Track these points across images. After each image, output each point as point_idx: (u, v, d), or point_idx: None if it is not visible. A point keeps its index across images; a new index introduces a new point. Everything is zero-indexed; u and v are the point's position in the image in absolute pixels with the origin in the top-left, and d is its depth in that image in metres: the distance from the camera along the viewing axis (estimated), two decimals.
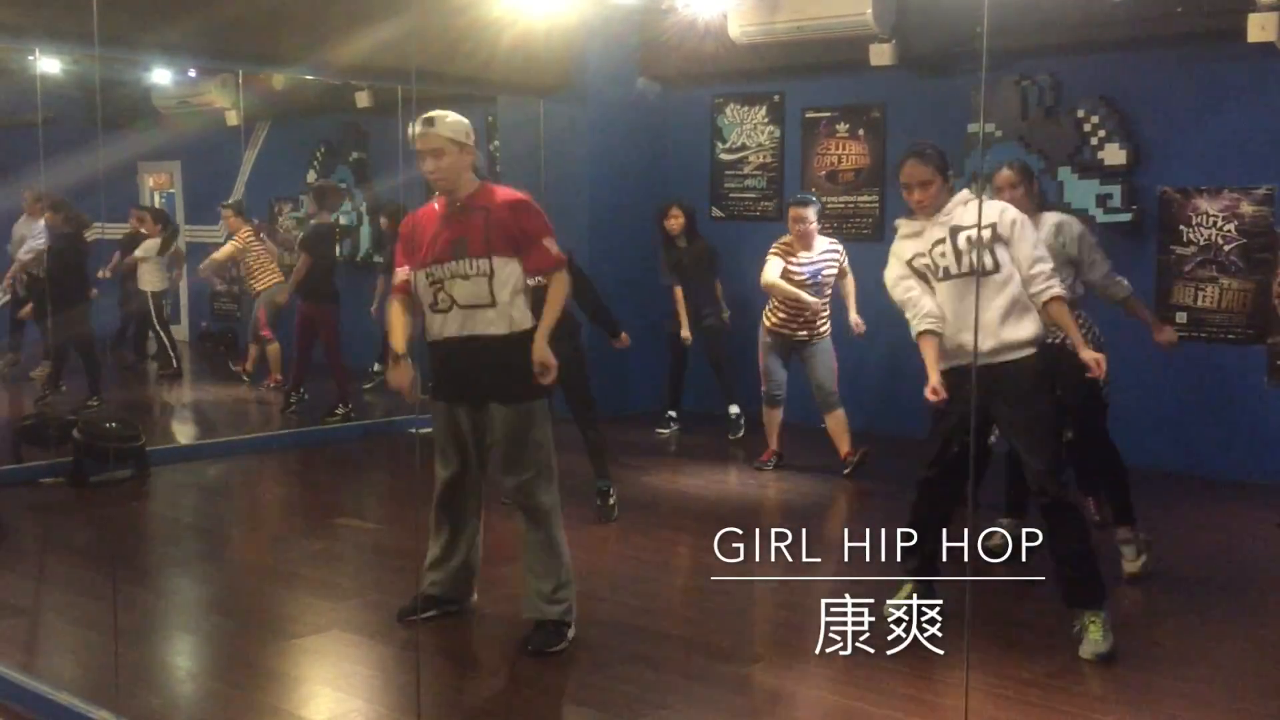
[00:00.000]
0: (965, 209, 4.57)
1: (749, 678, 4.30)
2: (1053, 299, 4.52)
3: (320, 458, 8.33)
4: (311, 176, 12.07)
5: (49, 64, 9.55)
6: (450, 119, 4.41)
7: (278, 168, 12.29)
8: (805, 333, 7.25)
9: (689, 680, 4.26)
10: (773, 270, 7.14)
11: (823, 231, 7.43)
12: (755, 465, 7.53)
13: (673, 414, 8.73)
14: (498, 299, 4.40)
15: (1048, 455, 4.44)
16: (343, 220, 11.85)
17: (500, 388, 4.45)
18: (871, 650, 4.48)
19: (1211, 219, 7.22)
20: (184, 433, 9.33)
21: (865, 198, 8.64)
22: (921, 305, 4.56)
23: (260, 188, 12.32)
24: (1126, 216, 7.40)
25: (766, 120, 9.18)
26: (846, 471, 7.22)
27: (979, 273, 4.46)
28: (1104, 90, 7.52)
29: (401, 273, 4.58)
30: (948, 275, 4.54)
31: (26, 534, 6.33)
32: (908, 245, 4.65)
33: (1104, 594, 4.46)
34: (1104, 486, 5.54)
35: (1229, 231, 7.17)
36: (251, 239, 10.36)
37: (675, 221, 8.37)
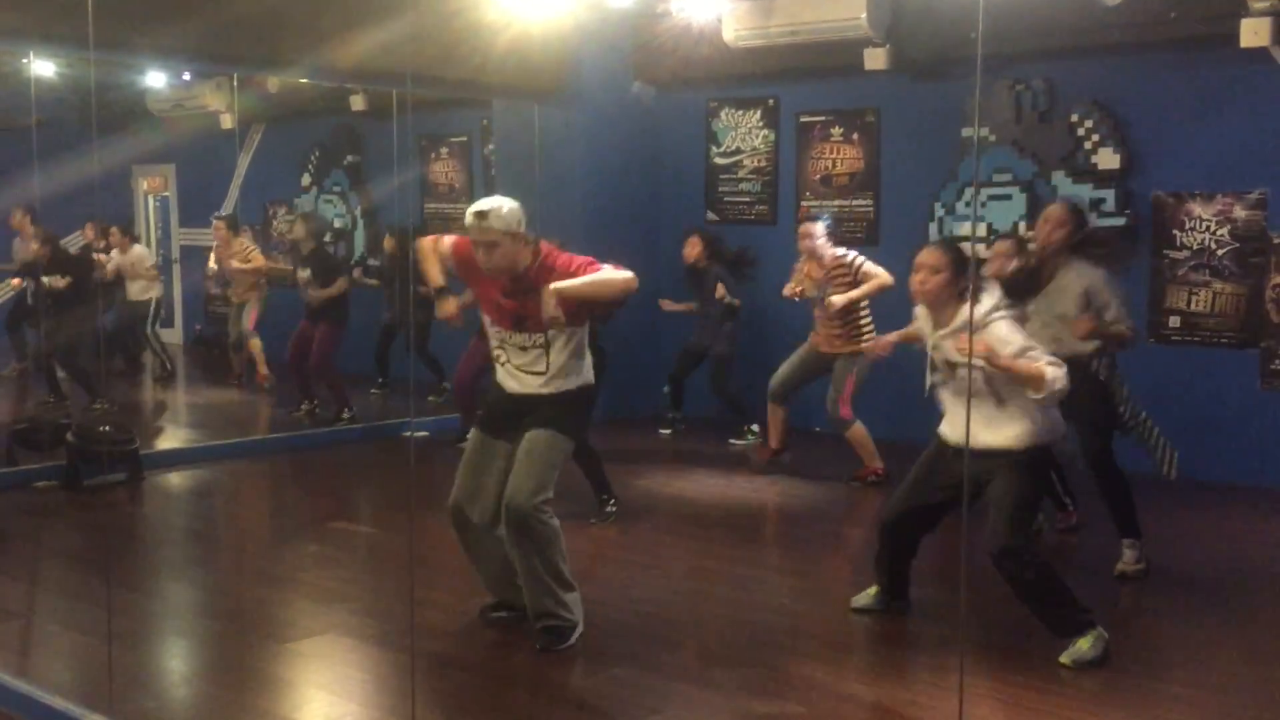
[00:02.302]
0: (984, 334, 4.39)
1: (745, 681, 4.30)
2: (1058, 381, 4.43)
3: (314, 461, 8.32)
4: (306, 180, 12.08)
5: (43, 67, 9.54)
6: (504, 211, 4.41)
7: (272, 171, 12.29)
8: (829, 347, 7.17)
9: (686, 683, 4.26)
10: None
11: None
12: (756, 465, 7.60)
13: (676, 415, 8.84)
14: (551, 368, 4.55)
15: (1001, 535, 4.35)
16: (337, 223, 11.85)
17: (540, 421, 4.56)
18: (868, 654, 4.51)
19: (1205, 223, 7.24)
20: (178, 436, 9.31)
21: (860, 202, 8.65)
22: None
23: (255, 191, 12.32)
24: (1120, 221, 7.42)
25: (761, 124, 9.20)
26: (857, 484, 7.24)
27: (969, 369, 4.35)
28: (1098, 95, 7.54)
29: (448, 240, 4.69)
30: (940, 382, 4.61)
31: (20, 538, 6.32)
32: (922, 322, 4.74)
33: (1092, 618, 4.43)
34: (1111, 505, 5.52)
35: (1222, 236, 7.19)
36: (251, 248, 10.33)
37: (691, 250, 8.40)
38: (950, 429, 4.64)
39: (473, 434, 4.81)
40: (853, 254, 7.13)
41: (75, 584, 5.43)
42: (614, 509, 6.45)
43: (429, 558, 5.78)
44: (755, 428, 8.43)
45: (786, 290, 7.24)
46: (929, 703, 4.06)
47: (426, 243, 4.78)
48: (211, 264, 10.81)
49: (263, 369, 10.17)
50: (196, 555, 6.14)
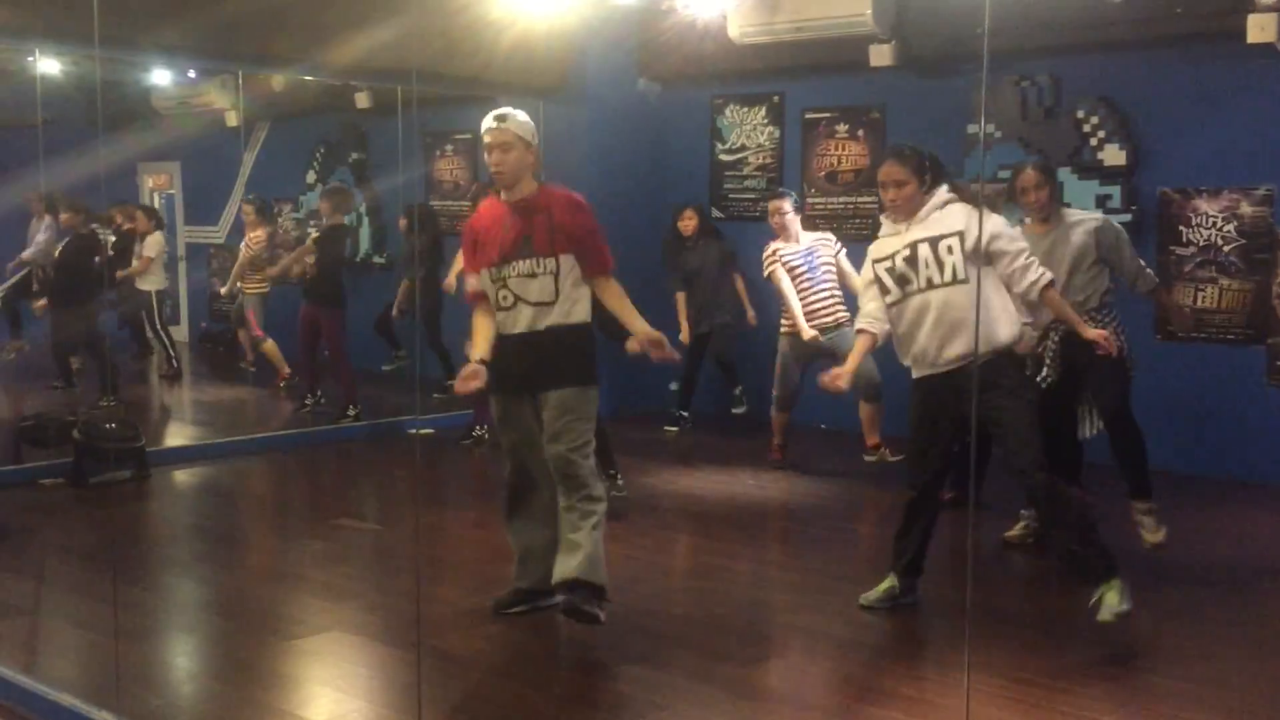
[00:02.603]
0: (940, 214, 4.61)
1: (751, 678, 4.30)
2: (1045, 287, 4.66)
3: (321, 458, 8.33)
4: (311, 177, 12.08)
5: (49, 65, 9.55)
6: (521, 117, 4.57)
7: (277, 168, 12.29)
8: (827, 320, 7.27)
9: (691, 680, 4.26)
10: (773, 270, 7.41)
11: (818, 229, 7.50)
12: (771, 464, 7.61)
13: (684, 413, 8.83)
14: (561, 293, 4.55)
15: (1032, 445, 4.49)
16: (344, 220, 11.84)
17: (557, 375, 4.56)
18: (874, 650, 4.51)
19: (1211, 219, 7.22)
20: (184, 433, 9.32)
21: (865, 198, 8.64)
22: (865, 307, 4.82)
23: (260, 188, 12.29)
24: (1126, 217, 7.40)
25: (766, 121, 9.19)
26: (874, 459, 7.36)
27: (951, 281, 4.55)
28: (1104, 91, 7.53)
29: (473, 280, 4.71)
30: (911, 288, 4.62)
31: (26, 534, 6.32)
32: (881, 246, 4.77)
33: (1115, 563, 4.55)
34: (1125, 463, 5.59)
35: (1228, 232, 7.17)
36: (264, 242, 10.30)
37: (689, 223, 8.53)
38: (923, 350, 4.62)
39: (494, 402, 4.78)
40: (832, 238, 7.46)
41: (81, 581, 5.44)
42: (623, 487, 6.50)
43: (435, 555, 5.79)
44: (684, 413, 8.76)
45: (807, 337, 7.28)
46: (936, 699, 4.06)
47: (480, 317, 4.69)
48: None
49: (284, 369, 10.17)
50: (202, 552, 6.15)
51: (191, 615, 5.20)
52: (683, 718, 3.98)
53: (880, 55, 8.07)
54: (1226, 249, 7.19)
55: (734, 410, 8.82)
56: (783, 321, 7.45)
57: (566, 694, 4.18)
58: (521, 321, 4.56)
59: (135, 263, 10.83)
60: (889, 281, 4.67)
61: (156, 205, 13.70)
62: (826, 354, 7.17)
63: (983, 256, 4.54)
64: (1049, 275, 4.71)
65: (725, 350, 8.65)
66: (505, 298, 4.57)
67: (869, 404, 7.31)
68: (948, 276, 4.53)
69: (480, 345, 4.61)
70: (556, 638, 4.68)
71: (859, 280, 6.55)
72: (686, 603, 5.20)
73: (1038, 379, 5.35)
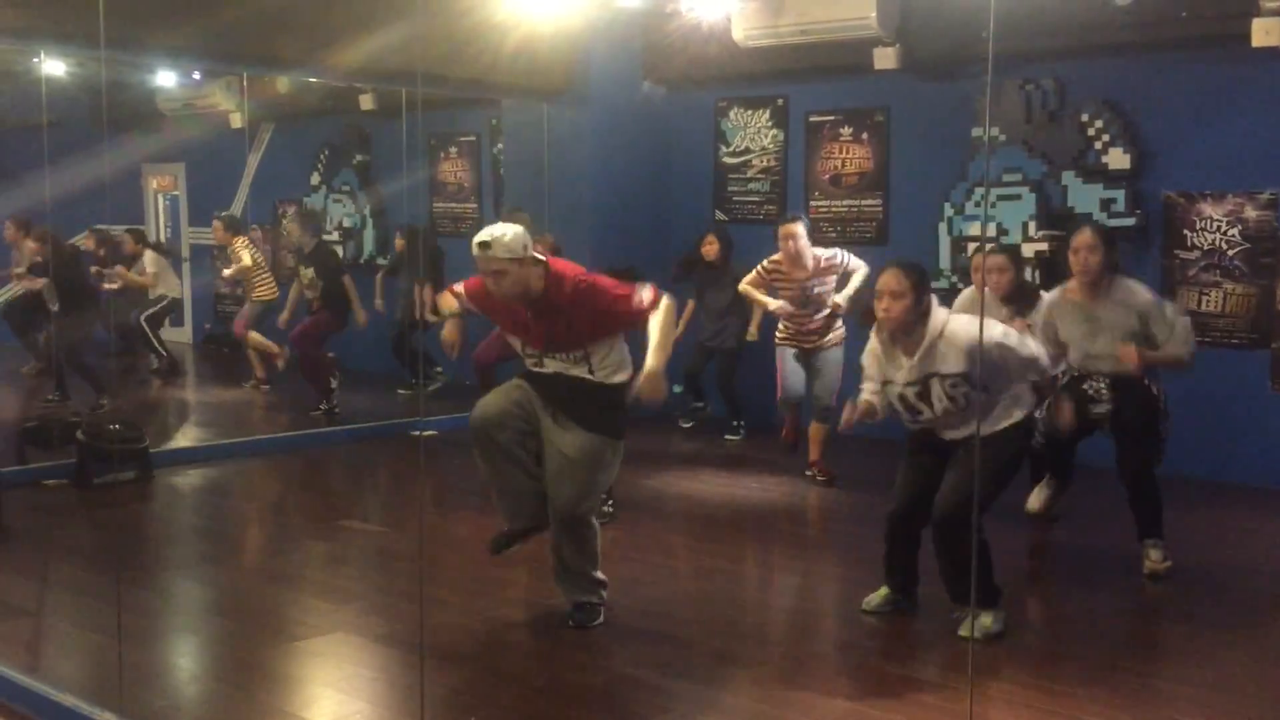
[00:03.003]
0: (943, 343, 4.47)
1: (755, 681, 4.29)
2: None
3: (324, 460, 8.33)
4: (315, 179, 12.10)
5: (54, 66, 9.57)
6: (506, 238, 4.44)
7: (282, 170, 12.31)
8: (809, 343, 7.18)
9: (695, 684, 4.25)
10: (748, 280, 7.33)
11: (826, 237, 7.43)
12: (783, 444, 7.56)
13: (699, 404, 8.92)
14: (595, 370, 4.60)
15: (964, 496, 4.42)
16: (346, 222, 11.87)
17: (585, 416, 4.58)
18: (877, 653, 4.50)
19: (1216, 224, 7.22)
20: (188, 435, 9.33)
21: (869, 201, 8.64)
22: (869, 388, 4.74)
23: (265, 190, 12.35)
24: (1130, 221, 7.40)
25: (770, 124, 9.19)
26: (811, 474, 7.31)
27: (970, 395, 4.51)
28: (1108, 94, 7.52)
29: (458, 288, 4.85)
30: (924, 417, 4.58)
31: (30, 535, 6.33)
32: (879, 366, 4.67)
33: (997, 595, 4.63)
34: (1140, 513, 5.52)
35: (1233, 236, 7.16)
36: (249, 252, 10.31)
37: (710, 248, 8.52)
38: (941, 432, 4.66)
39: (514, 380, 4.77)
40: (839, 252, 7.21)
41: (85, 582, 5.44)
42: (613, 511, 6.39)
43: (438, 557, 5.79)
44: (741, 423, 8.69)
45: (833, 305, 7.08)
46: (939, 702, 4.05)
47: (442, 299, 4.91)
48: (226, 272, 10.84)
49: (276, 361, 10.23)
50: (206, 553, 6.15)
51: (195, 616, 5.21)
52: None
53: (884, 58, 8.07)
54: (1231, 253, 7.18)
55: (727, 437, 8.63)
56: (778, 336, 7.34)
57: (570, 696, 4.18)
58: (549, 369, 4.64)
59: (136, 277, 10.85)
60: (899, 407, 4.64)
61: (161, 207, 13.75)
62: (810, 369, 7.23)
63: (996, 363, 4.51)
64: (1056, 370, 4.75)
65: (726, 378, 8.57)
66: (542, 364, 4.66)
67: (819, 424, 7.25)
68: (960, 404, 4.49)
69: (450, 305, 4.82)
70: (561, 640, 4.68)
71: (864, 265, 6.99)
72: (691, 605, 5.20)
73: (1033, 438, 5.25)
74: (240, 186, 12.36)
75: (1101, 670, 4.34)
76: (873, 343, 4.72)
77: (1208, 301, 7.28)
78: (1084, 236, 5.39)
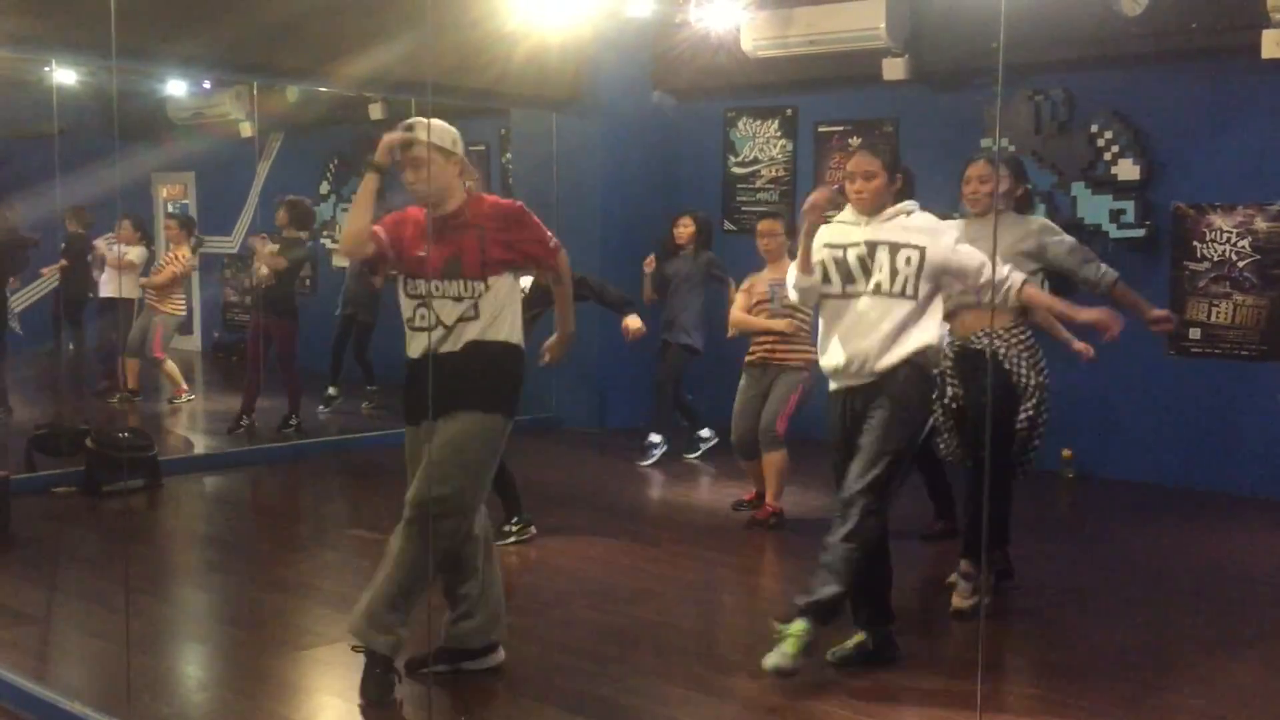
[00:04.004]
0: (906, 221, 4.39)
1: (756, 691, 4.28)
2: (1022, 286, 4.53)
3: (331, 468, 8.34)
4: (325, 188, 12.13)
5: (65, 75, 9.60)
6: (435, 124, 4.04)
7: (291, 180, 12.32)
8: (768, 357, 6.51)
9: (695, 692, 4.25)
10: (737, 306, 6.72)
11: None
12: (734, 506, 6.82)
13: (702, 433, 8.35)
14: (481, 314, 4.10)
15: (874, 479, 4.22)
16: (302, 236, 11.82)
17: (465, 395, 4.05)
18: (881, 663, 4.48)
19: (1225, 235, 7.20)
20: (196, 442, 9.34)
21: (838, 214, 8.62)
22: (791, 281, 4.54)
23: (274, 199, 12.34)
24: (1140, 232, 7.39)
25: (779, 134, 9.19)
26: (753, 515, 6.60)
27: (897, 294, 4.33)
28: (1118, 105, 7.52)
29: (377, 231, 4.14)
30: (855, 288, 4.37)
31: (39, 542, 6.34)
32: (834, 231, 4.48)
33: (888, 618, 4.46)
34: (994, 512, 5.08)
35: (1243, 247, 7.15)
36: (185, 260, 10.16)
37: (684, 230, 8.04)
38: (844, 353, 4.36)
39: (408, 434, 4.33)
40: None
41: (93, 589, 5.45)
42: (515, 530, 6.02)
43: None
44: (706, 433, 8.29)
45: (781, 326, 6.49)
46: (946, 713, 4.04)
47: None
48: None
49: (182, 386, 10.13)
50: (214, 561, 6.16)
51: (202, 624, 5.21)
52: None
53: (894, 69, 8.07)
54: (1241, 264, 7.16)
55: (686, 456, 8.23)
56: (748, 355, 6.65)
57: (572, 704, 4.17)
58: (435, 343, 4.10)
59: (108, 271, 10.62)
60: (833, 272, 4.40)
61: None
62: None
63: (940, 274, 4.35)
64: (1020, 275, 4.54)
65: (672, 373, 8.01)
66: (423, 317, 4.12)
67: (766, 452, 6.48)
68: (897, 288, 4.31)
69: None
70: (564, 648, 4.67)
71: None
72: (693, 616, 5.19)
73: (942, 400, 5.01)
74: (250, 196, 12.38)
75: (1110, 681, 4.32)
76: (835, 220, 4.54)
77: (1218, 313, 7.26)
78: (977, 168, 5.18)
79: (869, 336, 4.32)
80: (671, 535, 6.47)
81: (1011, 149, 7.86)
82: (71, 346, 11.02)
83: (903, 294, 4.32)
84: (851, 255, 4.40)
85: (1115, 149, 7.51)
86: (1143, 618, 5.15)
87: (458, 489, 4.07)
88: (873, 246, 4.39)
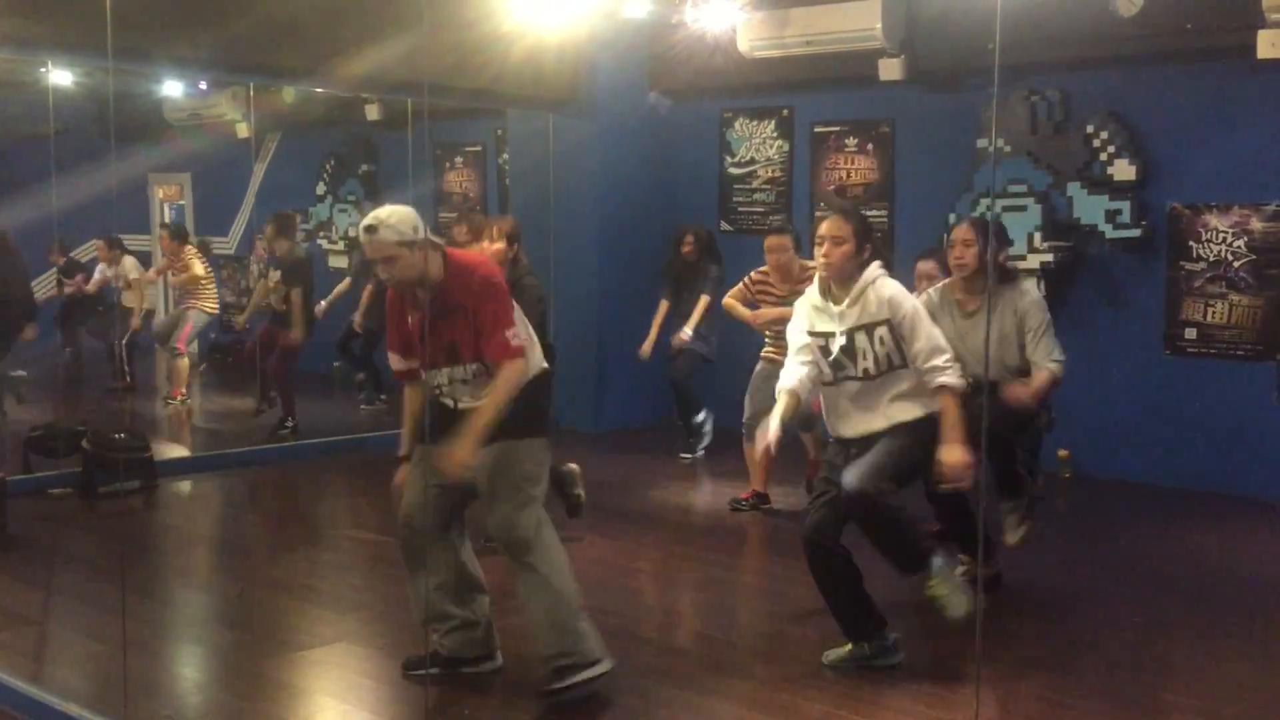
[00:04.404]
0: (873, 293, 4.39)
1: (754, 692, 4.28)
2: (942, 387, 4.34)
3: (328, 469, 8.33)
4: (321, 189, 12.12)
5: (61, 76, 9.60)
6: (392, 219, 4.00)
7: (288, 181, 12.33)
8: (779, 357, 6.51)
9: (696, 694, 4.25)
10: (732, 293, 6.89)
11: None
12: (732, 505, 6.91)
13: (696, 442, 8.34)
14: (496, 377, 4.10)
15: (877, 472, 4.27)
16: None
17: (503, 426, 4.07)
18: (878, 666, 4.49)
19: (1221, 235, 7.21)
20: (192, 444, 9.34)
21: (874, 212, 8.63)
22: (793, 370, 4.52)
23: (270, 201, 12.35)
24: (1136, 232, 7.40)
25: (775, 134, 9.20)
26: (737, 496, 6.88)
27: (886, 368, 4.40)
28: (1113, 106, 7.52)
29: (396, 360, 4.30)
30: (845, 374, 4.44)
31: (35, 544, 6.34)
32: (810, 317, 4.53)
33: (930, 547, 4.45)
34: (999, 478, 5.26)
35: (1239, 247, 7.16)
36: (199, 261, 10.24)
37: (688, 248, 8.19)
38: (847, 427, 4.47)
39: (416, 451, 4.34)
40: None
41: (89, 591, 5.45)
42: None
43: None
44: (705, 433, 8.30)
45: (749, 317, 6.69)
46: (944, 715, 4.04)
47: (410, 399, 4.39)
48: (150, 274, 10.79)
49: (181, 388, 10.13)
50: (210, 562, 6.16)
51: (199, 625, 5.21)
52: None
53: (890, 69, 8.08)
54: (1237, 264, 7.17)
55: (683, 456, 8.25)
56: (764, 350, 6.80)
57: (573, 706, 4.17)
58: (456, 406, 4.20)
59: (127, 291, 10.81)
60: (822, 363, 4.47)
61: (166, 217, 13.78)
62: None
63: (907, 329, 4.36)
64: (952, 379, 4.34)
65: (683, 378, 8.05)
66: (445, 400, 4.23)
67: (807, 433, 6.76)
68: (884, 366, 4.39)
69: (406, 440, 4.33)
70: None
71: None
72: (694, 617, 5.19)
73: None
74: (246, 197, 12.38)
75: (1107, 682, 4.32)
76: (807, 293, 4.59)
77: (1213, 313, 7.27)
78: (960, 230, 5.15)
79: (873, 410, 4.43)
80: (669, 535, 6.48)
81: (1008, 150, 7.88)
82: (68, 351, 11.04)
83: (891, 367, 4.40)
84: (834, 346, 4.44)
85: (1111, 149, 7.51)
86: (1139, 617, 5.16)
87: (510, 513, 4.17)
88: (850, 335, 4.42)
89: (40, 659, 4.72)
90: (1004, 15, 6.18)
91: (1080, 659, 4.61)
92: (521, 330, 4.17)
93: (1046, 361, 4.96)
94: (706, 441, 8.33)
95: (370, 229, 4.02)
